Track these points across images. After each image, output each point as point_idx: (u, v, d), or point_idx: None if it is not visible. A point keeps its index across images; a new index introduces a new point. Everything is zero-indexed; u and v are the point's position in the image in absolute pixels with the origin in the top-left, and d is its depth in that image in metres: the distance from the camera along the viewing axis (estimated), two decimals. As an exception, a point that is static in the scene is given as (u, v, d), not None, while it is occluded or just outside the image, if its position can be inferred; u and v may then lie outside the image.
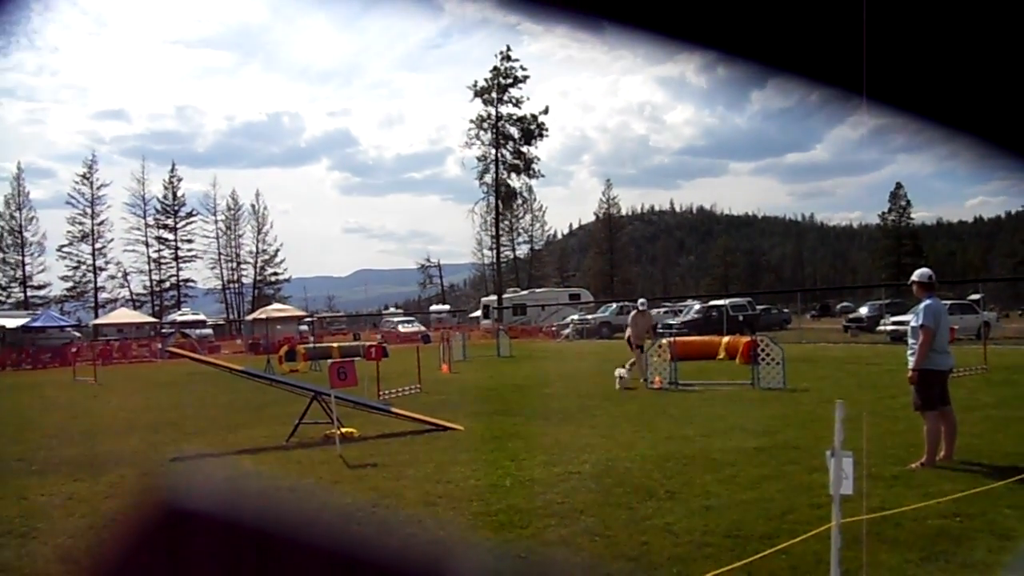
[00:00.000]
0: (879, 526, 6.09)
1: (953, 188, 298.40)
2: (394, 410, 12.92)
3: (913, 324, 9.01)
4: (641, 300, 20.38)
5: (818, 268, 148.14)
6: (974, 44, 1.54)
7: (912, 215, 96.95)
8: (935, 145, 1.65)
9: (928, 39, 1.53)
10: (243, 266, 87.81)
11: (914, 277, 9.32)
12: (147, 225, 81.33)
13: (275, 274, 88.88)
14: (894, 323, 31.37)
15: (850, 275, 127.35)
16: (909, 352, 8.98)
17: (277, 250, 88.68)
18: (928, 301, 8.91)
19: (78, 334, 52.27)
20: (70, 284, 76.84)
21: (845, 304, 67.29)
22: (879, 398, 13.94)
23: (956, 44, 1.54)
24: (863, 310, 43.34)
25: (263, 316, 50.52)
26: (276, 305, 60.22)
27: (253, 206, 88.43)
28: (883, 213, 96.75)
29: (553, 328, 51.97)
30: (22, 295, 73.32)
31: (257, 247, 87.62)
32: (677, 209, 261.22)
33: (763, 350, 16.89)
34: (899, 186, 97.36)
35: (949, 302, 31.42)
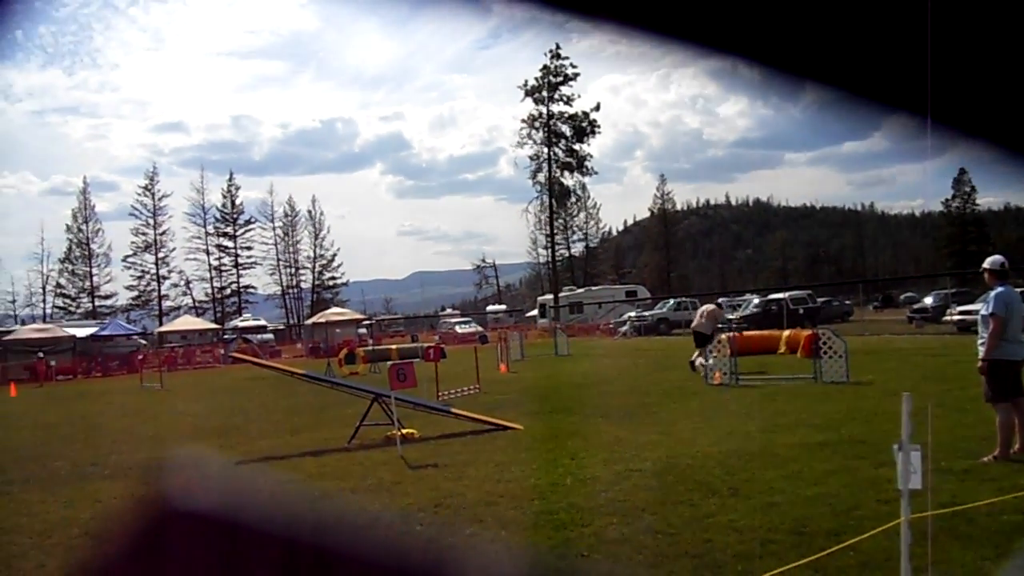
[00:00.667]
0: (951, 522, 5.93)
1: (1021, 171, 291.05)
2: (454, 411, 12.97)
3: (983, 313, 8.77)
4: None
5: (880, 258, 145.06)
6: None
7: (978, 201, 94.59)
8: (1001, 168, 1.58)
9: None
10: (301, 271, 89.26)
11: (985, 264, 9.05)
12: (207, 234, 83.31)
13: (333, 278, 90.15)
14: (961, 312, 30.59)
15: (913, 264, 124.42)
16: (979, 342, 8.74)
17: (334, 254, 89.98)
18: (1000, 289, 8.67)
19: (144, 342, 53.47)
20: (135, 293, 79.08)
21: (909, 294, 65.93)
22: (947, 390, 13.59)
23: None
24: (928, 300, 42.34)
25: (322, 320, 51.24)
26: (335, 309, 60.92)
27: (309, 212, 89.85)
28: (946, 200, 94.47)
29: (610, 325, 51.73)
30: (90, 305, 75.46)
31: (315, 252, 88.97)
32: (733, 203, 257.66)
33: (825, 343, 16.59)
34: (963, 171, 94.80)
35: (1022, 290, 30.63)
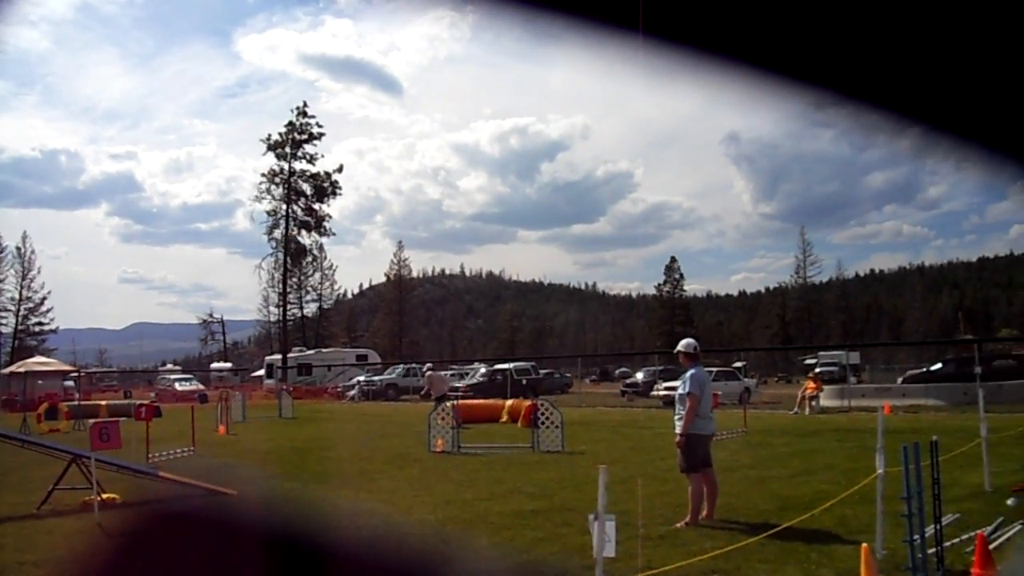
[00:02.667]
0: (644, 585, 6.33)
1: (720, 263, 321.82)
2: (162, 474, 12.18)
3: (680, 392, 9.54)
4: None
5: (600, 334, 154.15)
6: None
7: (685, 287, 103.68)
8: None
9: None
10: (3, 314, 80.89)
11: (680, 348, 9.93)
12: None
13: (40, 324, 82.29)
14: (666, 388, 33.04)
15: (629, 341, 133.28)
16: (676, 417, 9.49)
17: (44, 298, 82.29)
18: (693, 370, 9.51)
19: None
20: None
21: (623, 369, 70.39)
22: (650, 460, 14.60)
23: None
24: (639, 375, 45.26)
25: (21, 370, 46.46)
26: (39, 358, 55.55)
27: (19, 248, 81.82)
28: (659, 284, 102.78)
29: (339, 389, 51.06)
30: None
31: (20, 293, 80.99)
32: (467, 273, 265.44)
33: (543, 413, 17.30)
34: (673, 259, 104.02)
35: (715, 369, 33.68)
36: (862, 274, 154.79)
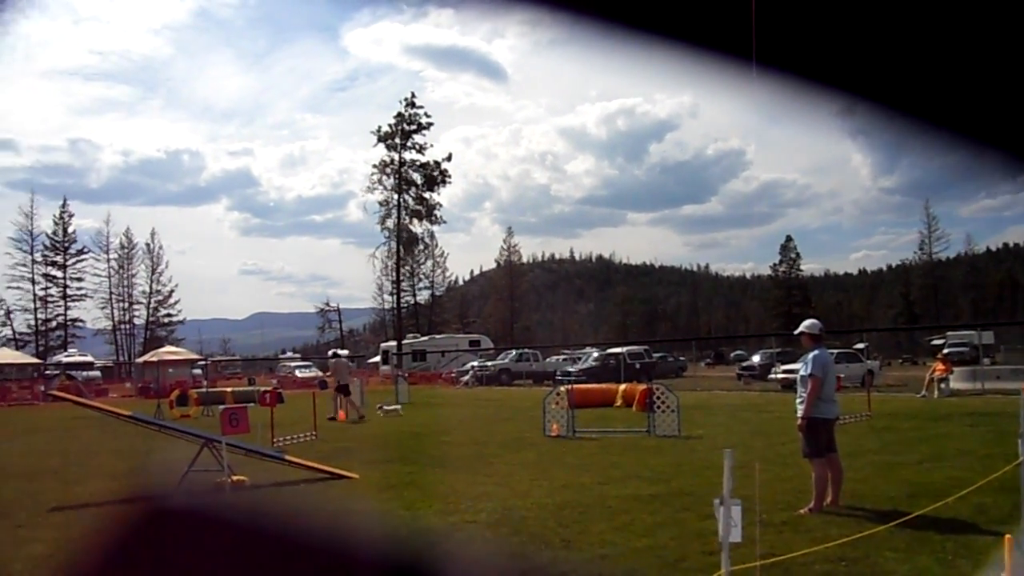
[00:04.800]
0: (769, 572, 6.20)
1: (838, 241, 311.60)
2: (287, 458, 12.59)
3: (802, 373, 9.27)
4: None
5: (713, 317, 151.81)
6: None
7: (801, 267, 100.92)
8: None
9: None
10: (136, 307, 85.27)
11: (803, 328, 9.63)
12: (34, 262, 78.52)
13: (169, 315, 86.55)
14: (784, 371, 32.28)
15: (743, 324, 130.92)
16: (798, 400, 9.23)
17: (172, 291, 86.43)
18: (816, 351, 9.22)
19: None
20: (-53, 321, 73.24)
21: (738, 352, 69.11)
22: (770, 445, 14.28)
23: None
24: (755, 358, 44.40)
25: (154, 359, 48.81)
26: (168, 347, 58.29)
27: (148, 245, 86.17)
28: (774, 265, 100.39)
29: (453, 374, 51.75)
30: None
31: (151, 287, 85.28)
32: (577, 258, 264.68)
33: (659, 398, 17.14)
34: (789, 239, 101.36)
35: (836, 351, 32.65)
36: (994, 248, 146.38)
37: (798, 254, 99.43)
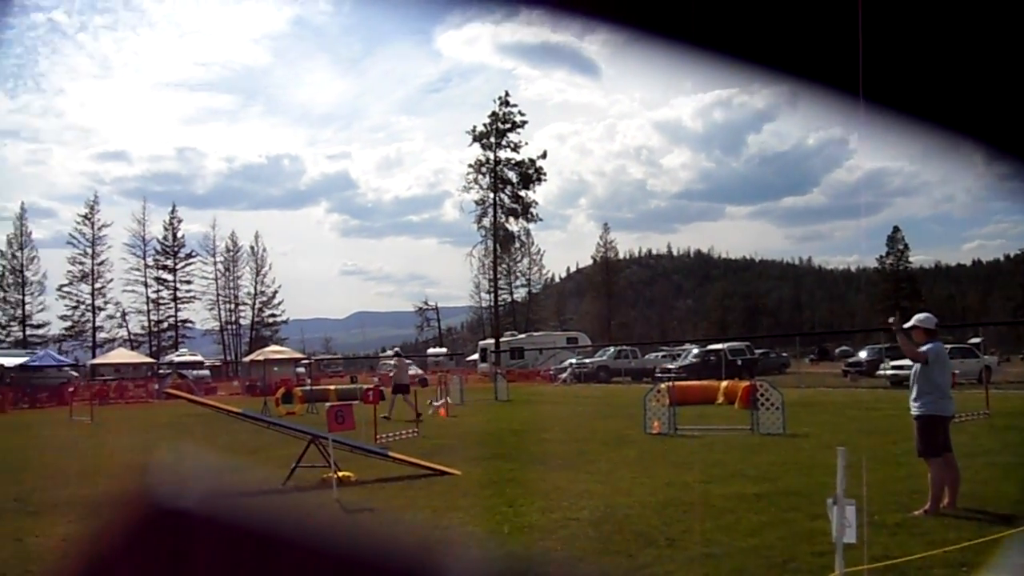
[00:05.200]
0: (883, 575, 5.99)
1: (949, 231, 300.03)
2: (391, 454, 12.80)
3: (914, 370, 8.93)
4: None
5: (816, 311, 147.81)
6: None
7: (910, 258, 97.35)
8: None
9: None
10: (241, 307, 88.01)
11: (917, 322, 9.18)
12: (146, 266, 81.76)
13: (273, 316, 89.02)
14: (894, 367, 31.20)
15: (848, 319, 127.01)
16: (912, 398, 8.89)
17: (275, 291, 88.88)
18: (930, 345, 8.86)
19: (75, 374, 51.98)
20: (69, 323, 77.00)
21: (844, 348, 67.19)
22: (880, 443, 13.81)
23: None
24: (862, 354, 43.11)
25: (260, 358, 50.29)
26: (273, 347, 59.97)
27: (252, 247, 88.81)
28: (881, 256, 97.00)
29: (550, 372, 51.75)
30: (21, 334, 73.28)
31: (255, 288, 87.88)
32: (675, 253, 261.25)
33: (762, 395, 16.79)
34: (896, 229, 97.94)
35: (949, 346, 31.38)
36: None
37: (906, 245, 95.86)
